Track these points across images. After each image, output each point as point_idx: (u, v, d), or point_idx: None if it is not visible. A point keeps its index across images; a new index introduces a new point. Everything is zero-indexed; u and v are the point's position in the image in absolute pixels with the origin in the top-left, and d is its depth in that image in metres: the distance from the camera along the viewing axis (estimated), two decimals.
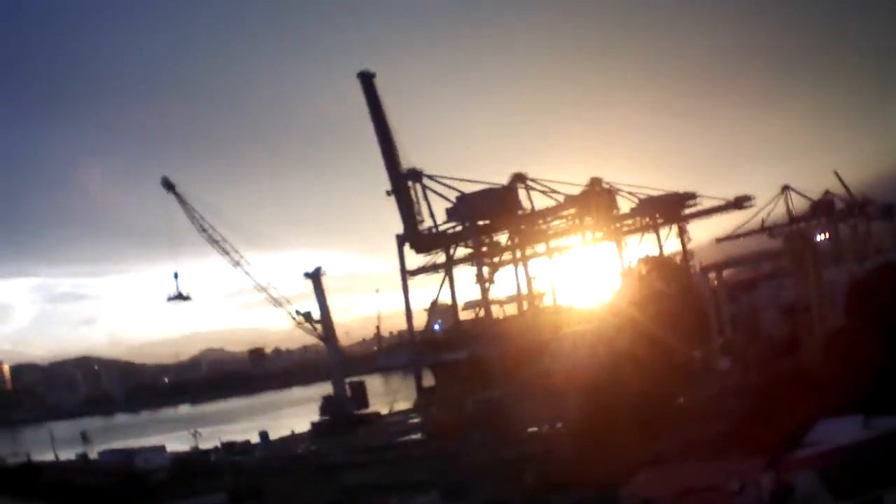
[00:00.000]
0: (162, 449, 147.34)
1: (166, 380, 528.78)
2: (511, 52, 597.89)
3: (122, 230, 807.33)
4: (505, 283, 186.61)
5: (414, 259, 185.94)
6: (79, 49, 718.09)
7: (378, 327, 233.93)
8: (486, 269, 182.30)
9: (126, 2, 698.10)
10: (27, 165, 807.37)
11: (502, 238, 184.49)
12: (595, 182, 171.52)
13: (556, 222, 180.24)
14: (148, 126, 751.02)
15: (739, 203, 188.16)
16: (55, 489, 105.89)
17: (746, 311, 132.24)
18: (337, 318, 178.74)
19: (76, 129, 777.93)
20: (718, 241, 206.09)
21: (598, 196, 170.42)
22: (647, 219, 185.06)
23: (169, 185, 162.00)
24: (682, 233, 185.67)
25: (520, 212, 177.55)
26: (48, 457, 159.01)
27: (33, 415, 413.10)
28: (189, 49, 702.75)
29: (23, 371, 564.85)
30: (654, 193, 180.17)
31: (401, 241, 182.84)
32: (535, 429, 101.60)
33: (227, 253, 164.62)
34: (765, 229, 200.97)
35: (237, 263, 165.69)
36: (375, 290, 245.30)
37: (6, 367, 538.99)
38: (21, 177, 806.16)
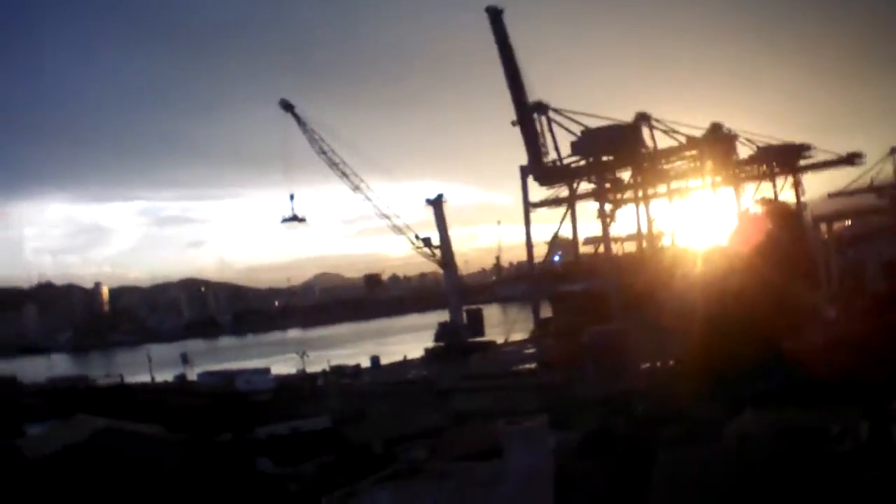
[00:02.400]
0: (266, 371, 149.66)
1: (276, 304, 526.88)
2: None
3: (233, 153, 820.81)
4: (626, 221, 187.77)
5: (537, 192, 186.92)
6: None
7: (498, 257, 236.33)
8: (607, 206, 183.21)
9: None
10: (136, 87, 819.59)
11: (625, 175, 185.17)
12: (716, 127, 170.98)
13: (676, 163, 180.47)
14: (265, 49, 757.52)
15: (851, 159, 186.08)
16: (150, 409, 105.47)
17: (853, 264, 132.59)
18: (457, 247, 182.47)
19: (188, 51, 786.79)
20: (831, 195, 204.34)
21: (718, 141, 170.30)
22: (764, 167, 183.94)
23: (287, 106, 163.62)
24: (796, 184, 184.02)
25: (643, 150, 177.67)
26: (144, 379, 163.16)
27: (131, 337, 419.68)
28: None
29: (122, 293, 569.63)
30: (772, 142, 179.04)
31: (525, 172, 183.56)
32: (647, 364, 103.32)
33: (346, 176, 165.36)
34: (873, 189, 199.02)
35: (357, 188, 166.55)
36: (497, 222, 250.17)
37: (105, 290, 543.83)
38: (128, 98, 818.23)
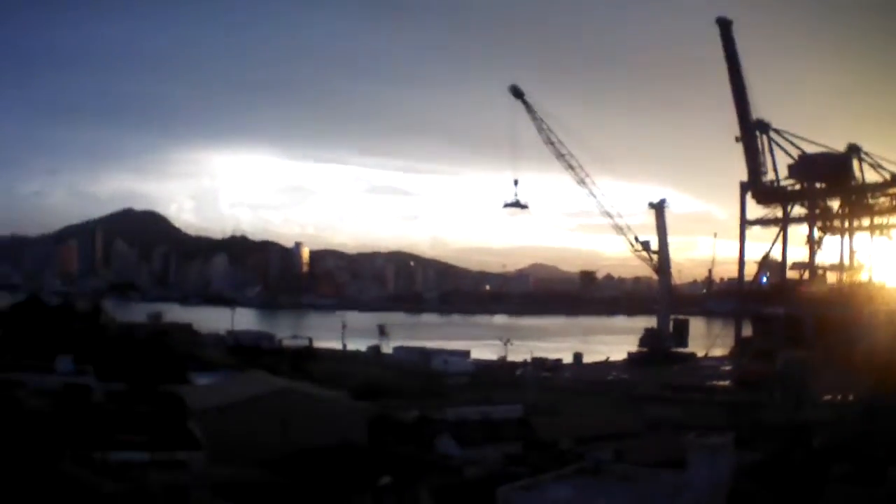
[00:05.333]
0: (465, 354, 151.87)
1: (487, 287, 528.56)
2: (869, 26, 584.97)
3: (455, 130, 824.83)
4: (831, 250, 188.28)
5: (752, 209, 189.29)
6: None
7: (710, 270, 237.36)
8: (816, 233, 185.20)
9: None
10: (362, 53, 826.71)
11: (833, 205, 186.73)
12: None
13: (881, 199, 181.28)
14: (498, 31, 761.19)
15: None
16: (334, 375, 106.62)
17: None
18: (672, 255, 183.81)
19: (419, 23, 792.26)
20: None
21: None
22: None
23: (518, 93, 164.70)
24: None
25: (853, 182, 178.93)
26: (335, 345, 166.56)
27: (327, 301, 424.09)
28: None
29: (324, 256, 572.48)
30: None
31: (744, 189, 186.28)
32: (830, 396, 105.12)
33: (572, 169, 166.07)
34: None
35: (582, 182, 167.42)
36: (714, 234, 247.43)
37: (306, 251, 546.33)
38: (352, 63, 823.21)
